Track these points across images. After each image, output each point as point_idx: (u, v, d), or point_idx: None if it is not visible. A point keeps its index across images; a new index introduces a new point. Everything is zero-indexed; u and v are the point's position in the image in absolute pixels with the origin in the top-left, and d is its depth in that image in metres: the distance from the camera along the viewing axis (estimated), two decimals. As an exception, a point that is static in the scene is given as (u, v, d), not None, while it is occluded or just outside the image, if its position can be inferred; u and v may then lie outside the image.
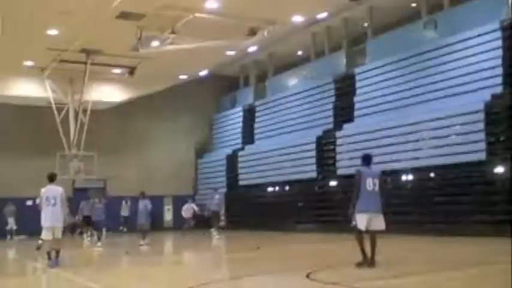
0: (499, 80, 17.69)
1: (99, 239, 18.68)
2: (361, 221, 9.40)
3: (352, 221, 9.60)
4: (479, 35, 18.57)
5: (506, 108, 16.74)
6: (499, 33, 18.01)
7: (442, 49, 19.92)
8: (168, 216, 31.80)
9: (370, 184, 9.43)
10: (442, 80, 19.58)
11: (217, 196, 23.62)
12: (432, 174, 18.95)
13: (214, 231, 22.13)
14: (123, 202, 28.67)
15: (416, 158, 19.37)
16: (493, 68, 17.92)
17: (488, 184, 16.87)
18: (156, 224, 24.36)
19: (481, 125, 17.25)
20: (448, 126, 18.50)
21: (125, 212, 28.55)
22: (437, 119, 18.76)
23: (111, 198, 26.58)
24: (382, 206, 9.52)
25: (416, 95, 20.50)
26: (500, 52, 17.85)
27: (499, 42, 17.93)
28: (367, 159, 9.82)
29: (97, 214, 19.62)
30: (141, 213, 18.74)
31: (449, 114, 18.35)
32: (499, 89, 17.58)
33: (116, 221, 27.32)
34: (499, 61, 17.80)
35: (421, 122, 19.32)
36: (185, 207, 24.53)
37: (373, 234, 9.49)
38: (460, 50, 19.23)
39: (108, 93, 28.27)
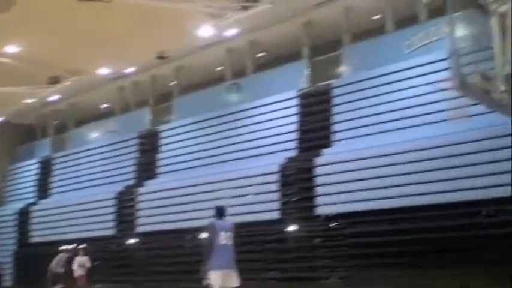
0: (294, 144, 19.00)
1: None
2: (215, 278, 8.55)
3: (205, 279, 8.67)
4: (278, 101, 19.84)
5: (299, 171, 17.94)
6: (296, 101, 19.44)
7: (243, 112, 20.90)
8: None
9: (224, 238, 8.71)
10: (242, 142, 20.45)
11: None
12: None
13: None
14: None
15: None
16: (289, 132, 19.20)
17: (280, 242, 17.70)
18: None
19: (276, 186, 18.21)
20: (246, 186, 19.18)
21: None
22: (237, 178, 19.41)
23: None
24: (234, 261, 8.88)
25: (218, 154, 21.09)
26: (296, 118, 19.24)
27: (296, 109, 19.35)
28: (220, 211, 9.08)
29: None
30: None
31: (248, 174, 19.11)
32: (293, 153, 18.84)
33: None
34: (295, 126, 19.16)
35: (222, 181, 19.83)
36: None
37: None
38: (260, 114, 20.33)
39: None
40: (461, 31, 14.27)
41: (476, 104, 10.43)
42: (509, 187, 13.22)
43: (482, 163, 13.93)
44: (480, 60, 10.33)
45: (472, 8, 10.98)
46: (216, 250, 8.62)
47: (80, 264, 19.72)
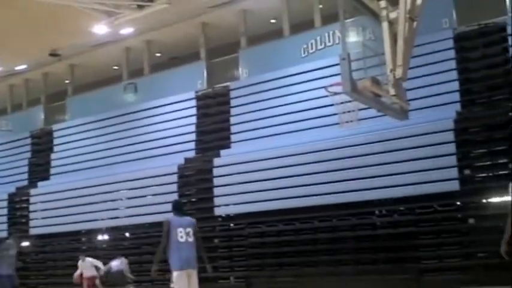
0: (192, 145, 18.96)
1: None
2: (180, 279, 7.73)
3: (170, 282, 7.91)
4: (176, 102, 19.72)
5: (197, 172, 17.92)
6: (194, 102, 19.39)
7: (141, 112, 20.59)
8: None
9: (183, 235, 7.91)
10: (140, 142, 20.15)
11: None
12: (128, 234, 19.14)
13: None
14: None
15: (114, 218, 19.33)
16: (187, 133, 19.14)
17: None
18: None
19: (174, 187, 18.08)
20: (145, 187, 18.90)
21: None
22: (135, 179, 19.08)
23: None
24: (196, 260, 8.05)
25: (115, 155, 20.67)
26: (194, 120, 19.20)
27: (194, 111, 19.31)
28: (177, 206, 8.44)
29: None
30: None
31: (145, 175, 18.84)
32: (191, 154, 18.78)
33: None
34: (193, 128, 19.12)
35: (119, 182, 19.44)
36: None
37: None
38: (158, 115, 20.12)
39: None
40: (353, 37, 14.89)
41: (366, 108, 10.83)
42: (400, 188, 13.95)
43: (375, 165, 14.55)
44: (371, 65, 10.77)
45: (365, 14, 11.38)
46: (174, 248, 7.87)
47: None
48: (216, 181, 17.38)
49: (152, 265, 7.89)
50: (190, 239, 8.00)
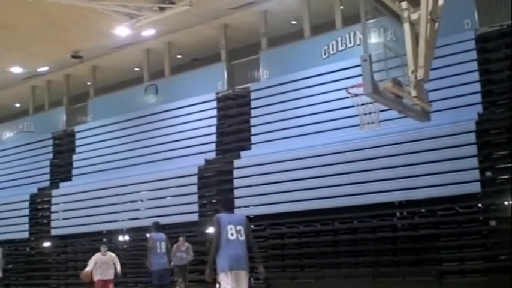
0: (213, 146, 19.03)
1: None
2: (226, 282, 7.18)
3: (216, 283, 7.43)
4: (196, 104, 19.82)
5: (218, 173, 17.99)
6: (214, 104, 19.48)
7: (161, 114, 20.72)
8: None
9: (233, 232, 7.37)
10: (161, 144, 20.28)
11: None
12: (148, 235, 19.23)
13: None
14: None
15: (134, 219, 19.49)
16: (208, 135, 19.23)
17: (200, 244, 17.67)
18: None
19: (195, 188, 18.17)
20: (165, 188, 19.02)
21: None
22: (156, 180, 19.21)
23: None
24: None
25: (136, 156, 20.81)
26: (214, 121, 19.28)
27: (214, 112, 19.39)
28: (227, 203, 8.10)
29: None
30: None
31: (166, 176, 18.95)
32: (212, 155, 18.87)
33: None
34: (214, 129, 19.20)
35: (140, 183, 19.58)
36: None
37: None
38: (179, 116, 20.23)
39: None
40: (375, 38, 14.86)
41: (387, 109, 10.80)
42: (421, 190, 13.89)
43: (396, 166, 14.50)
44: (392, 66, 10.76)
45: (386, 16, 11.36)
46: (223, 248, 7.27)
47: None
48: (236, 182, 17.41)
49: (205, 267, 7.41)
50: (242, 238, 7.40)
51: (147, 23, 17.08)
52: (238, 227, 7.41)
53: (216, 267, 7.26)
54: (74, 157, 23.06)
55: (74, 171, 22.83)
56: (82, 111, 24.20)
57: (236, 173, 17.50)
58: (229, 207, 7.98)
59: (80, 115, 24.40)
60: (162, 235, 12.81)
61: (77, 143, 23.26)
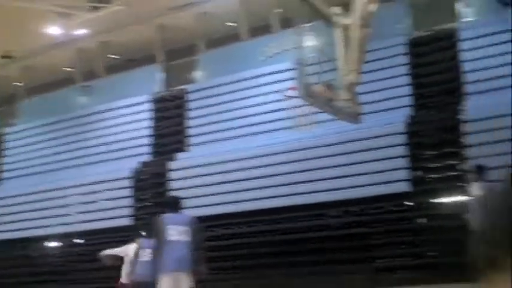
0: (149, 148, 18.83)
1: None
2: (166, 283, 7.07)
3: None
4: (131, 105, 19.51)
5: (153, 176, 17.83)
6: (150, 105, 19.26)
7: (95, 115, 20.30)
8: None
9: (175, 233, 7.18)
10: (94, 146, 19.85)
11: None
12: (81, 240, 18.83)
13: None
14: None
15: (65, 224, 18.96)
16: (143, 137, 18.99)
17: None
18: None
19: (128, 191, 17.95)
20: (97, 192, 18.63)
21: None
22: (88, 184, 18.79)
23: None
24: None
25: (68, 159, 20.27)
26: (150, 123, 19.08)
27: (150, 113, 19.18)
28: (171, 204, 7.91)
29: None
30: None
31: (99, 179, 18.58)
32: (147, 157, 18.67)
33: None
34: (149, 131, 18.99)
35: (71, 187, 19.11)
36: None
37: None
38: (113, 118, 19.85)
39: None
40: (311, 41, 15.10)
41: (321, 112, 11.03)
42: (353, 189, 14.22)
43: (331, 167, 14.79)
44: (326, 70, 10.98)
45: (319, 20, 11.58)
46: (164, 248, 7.15)
47: None
48: (172, 185, 17.31)
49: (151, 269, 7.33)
50: (185, 238, 7.25)
51: (80, 22, 16.77)
52: (182, 228, 7.30)
53: (157, 268, 7.20)
54: (4, 160, 22.30)
55: (3, 175, 22.08)
56: (12, 113, 23.44)
57: (173, 175, 17.39)
58: (175, 208, 7.83)
59: (9, 117, 23.61)
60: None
61: (7, 145, 22.51)
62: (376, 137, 14.31)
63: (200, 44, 19.58)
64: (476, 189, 8.46)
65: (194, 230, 7.53)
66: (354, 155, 14.53)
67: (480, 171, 8.60)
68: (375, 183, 13.96)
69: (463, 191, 11.19)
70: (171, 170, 17.47)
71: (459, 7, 15.61)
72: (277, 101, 14.89)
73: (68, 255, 18.58)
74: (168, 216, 7.58)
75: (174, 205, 7.88)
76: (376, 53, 14.59)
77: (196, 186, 16.68)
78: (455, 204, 12.70)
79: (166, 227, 7.33)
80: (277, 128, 16.26)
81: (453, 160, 13.61)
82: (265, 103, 16.80)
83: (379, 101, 14.86)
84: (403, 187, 13.72)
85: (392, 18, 15.31)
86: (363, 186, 14.14)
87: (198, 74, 19.09)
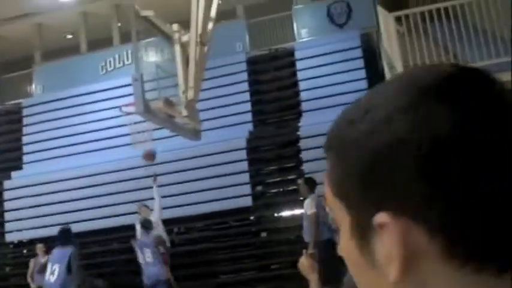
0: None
1: None
2: None
3: None
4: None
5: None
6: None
7: None
8: None
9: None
10: None
11: None
12: None
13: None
14: None
15: None
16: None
17: None
18: None
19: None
20: None
21: None
22: None
23: None
24: None
25: None
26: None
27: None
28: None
29: None
30: None
31: None
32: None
33: None
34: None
35: None
36: None
37: None
38: None
39: None
40: (151, 56, 14.99)
41: (161, 128, 10.95)
42: (196, 205, 14.24)
43: (173, 184, 14.61)
44: (166, 86, 10.94)
45: (159, 36, 11.52)
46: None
47: None
48: (6, 205, 16.22)
49: None
50: (53, 278, 7.18)
51: None
52: (54, 266, 7.19)
53: None
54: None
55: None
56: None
57: (6, 194, 16.31)
58: (62, 241, 7.58)
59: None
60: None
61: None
62: (219, 152, 14.42)
63: (36, 56, 18.64)
64: (307, 202, 8.81)
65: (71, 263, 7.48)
66: (197, 171, 14.51)
67: (310, 184, 8.93)
68: (218, 199, 14.03)
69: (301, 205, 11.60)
70: (4, 190, 16.37)
71: (296, 27, 16.35)
72: (118, 116, 14.47)
73: None
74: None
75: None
76: (218, 70, 14.84)
77: (32, 207, 15.78)
78: (294, 217, 13.15)
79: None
80: (117, 144, 15.79)
81: (292, 174, 14.11)
82: (105, 119, 16.29)
83: (222, 116, 15.03)
84: (245, 202, 13.98)
85: (232, 36, 15.65)
86: (206, 202, 14.14)
87: (34, 88, 18.11)
